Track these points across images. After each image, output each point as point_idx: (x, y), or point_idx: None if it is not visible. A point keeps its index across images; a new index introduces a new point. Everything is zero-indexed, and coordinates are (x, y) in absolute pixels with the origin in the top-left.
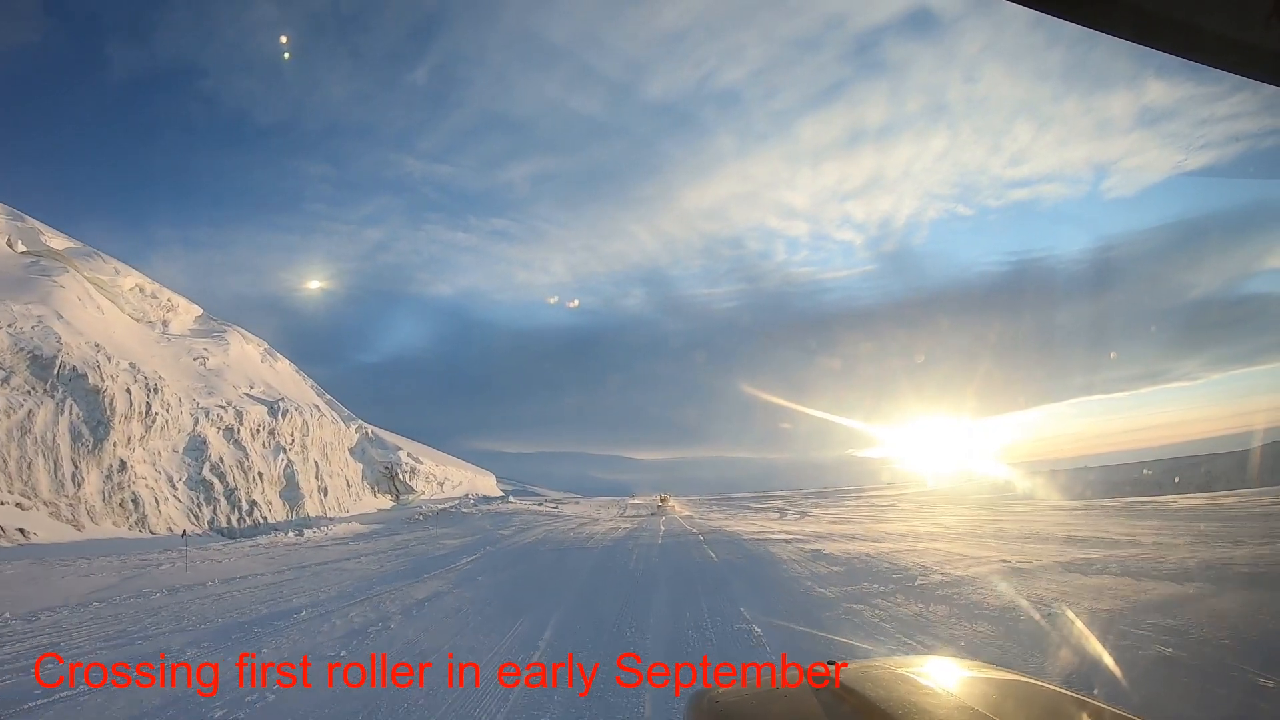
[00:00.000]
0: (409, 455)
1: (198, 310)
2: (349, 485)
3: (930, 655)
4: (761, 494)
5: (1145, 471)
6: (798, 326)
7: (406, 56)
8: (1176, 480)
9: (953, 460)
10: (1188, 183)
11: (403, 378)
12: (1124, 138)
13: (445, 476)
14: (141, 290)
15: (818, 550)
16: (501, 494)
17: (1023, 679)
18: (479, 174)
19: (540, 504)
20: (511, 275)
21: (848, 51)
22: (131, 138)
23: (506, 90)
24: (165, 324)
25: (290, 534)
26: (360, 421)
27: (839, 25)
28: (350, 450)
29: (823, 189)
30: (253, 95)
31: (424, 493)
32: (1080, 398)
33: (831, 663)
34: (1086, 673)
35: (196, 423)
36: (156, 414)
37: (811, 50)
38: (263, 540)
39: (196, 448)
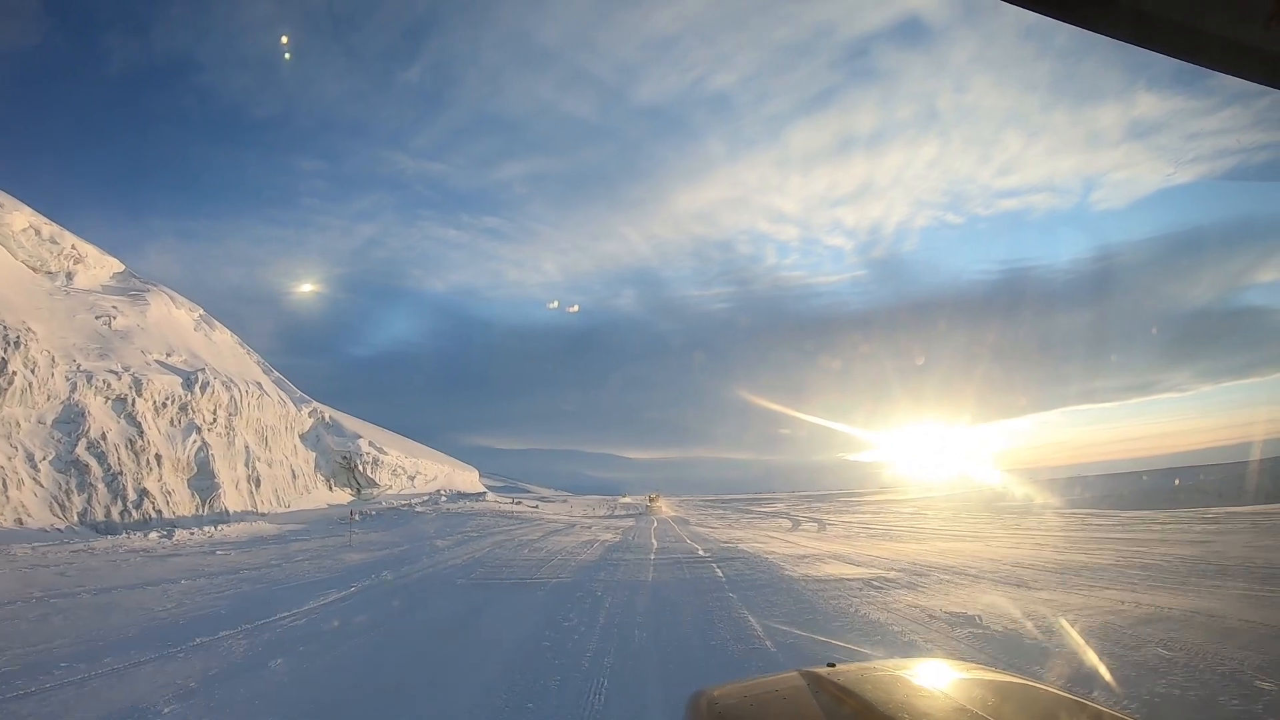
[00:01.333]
0: (371, 444)
1: (117, 265)
2: (295, 476)
3: (927, 657)
4: (756, 496)
5: (1176, 481)
6: (789, 330)
7: (400, 55)
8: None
9: (946, 466)
10: (1177, 195)
11: (395, 372)
12: (1113, 150)
13: (418, 470)
14: (37, 233)
15: (966, 617)
16: (480, 491)
17: (1020, 681)
18: (471, 173)
19: (517, 502)
20: (504, 273)
21: (838, 59)
22: (126, 131)
23: (499, 91)
24: (69, 276)
25: (156, 534)
26: (316, 404)
27: (829, 33)
28: (301, 436)
29: (813, 194)
30: (247, 90)
31: (391, 487)
32: (1071, 407)
33: (830, 664)
34: None
35: (75, 389)
36: (15, 373)
37: (802, 57)
38: (104, 543)
39: (72, 419)
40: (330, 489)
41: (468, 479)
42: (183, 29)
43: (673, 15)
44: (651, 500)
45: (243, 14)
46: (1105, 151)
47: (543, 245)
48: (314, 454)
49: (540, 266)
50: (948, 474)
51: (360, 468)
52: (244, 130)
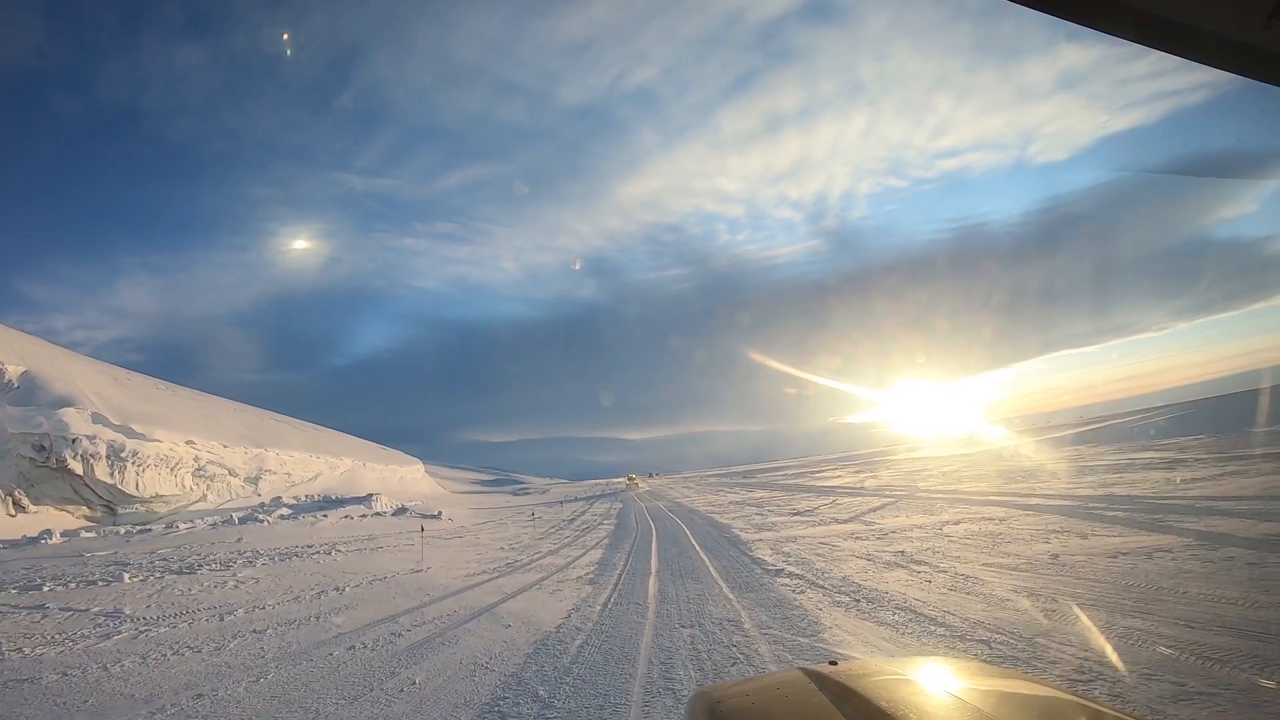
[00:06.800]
0: (98, 418)
1: None
2: None
3: (930, 656)
4: (766, 467)
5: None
6: (753, 302)
7: (331, 85)
8: None
9: (939, 421)
10: (1118, 142)
11: (378, 380)
12: (1044, 103)
13: (264, 466)
14: None
15: None
16: (370, 494)
17: (1023, 679)
18: (418, 184)
19: (401, 514)
20: (467, 276)
21: (751, 43)
22: (88, 179)
23: (431, 107)
24: None
25: None
26: None
27: (738, 20)
28: None
29: (752, 173)
30: (194, 132)
31: (200, 497)
32: (1051, 354)
33: (833, 662)
34: None
35: None
36: None
37: (716, 45)
38: None
39: None
40: (10, 513)
41: (406, 475)
42: (127, 82)
43: (583, 21)
44: (630, 481)
45: (177, 64)
46: (1036, 105)
47: (499, 245)
48: None
49: (500, 265)
50: (945, 429)
51: (79, 466)
52: (194, 168)
